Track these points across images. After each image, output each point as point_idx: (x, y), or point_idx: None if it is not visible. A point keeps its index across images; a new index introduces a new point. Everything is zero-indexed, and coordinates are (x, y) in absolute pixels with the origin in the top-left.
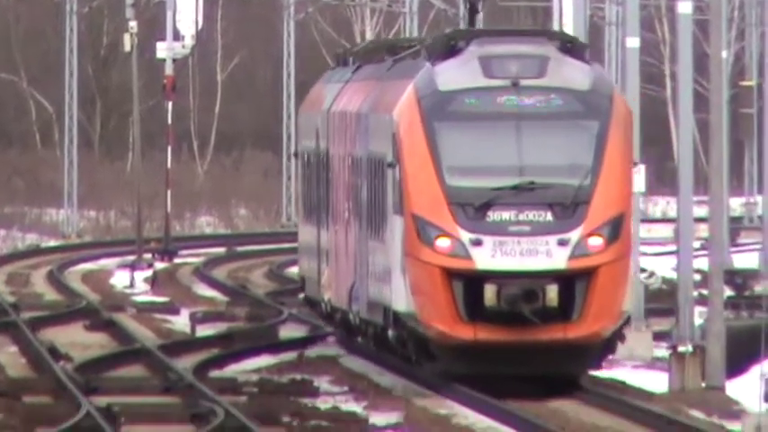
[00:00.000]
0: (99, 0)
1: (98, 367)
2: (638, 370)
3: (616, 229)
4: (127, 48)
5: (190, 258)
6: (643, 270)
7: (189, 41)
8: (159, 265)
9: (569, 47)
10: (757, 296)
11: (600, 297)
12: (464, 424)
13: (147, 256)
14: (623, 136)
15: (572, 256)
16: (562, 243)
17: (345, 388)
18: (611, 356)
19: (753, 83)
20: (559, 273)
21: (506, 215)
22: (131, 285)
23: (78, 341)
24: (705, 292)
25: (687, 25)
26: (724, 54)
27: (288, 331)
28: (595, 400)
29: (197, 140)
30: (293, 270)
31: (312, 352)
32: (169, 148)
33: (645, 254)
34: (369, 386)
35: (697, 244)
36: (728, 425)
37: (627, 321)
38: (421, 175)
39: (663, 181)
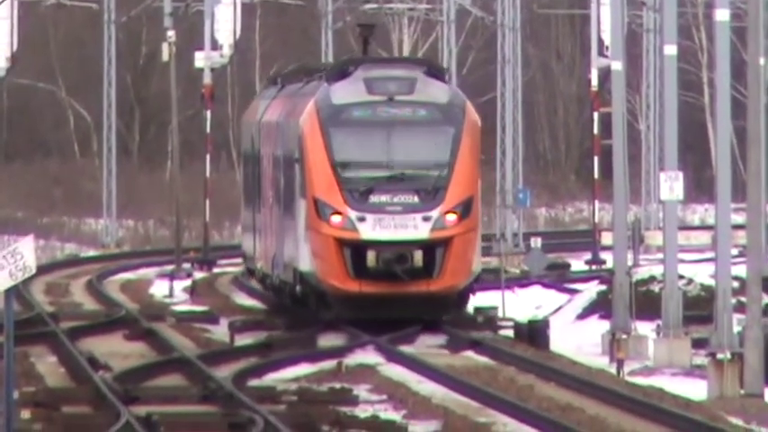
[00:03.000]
0: (137, 9)
1: (137, 377)
2: (677, 377)
3: (467, 208)
4: (165, 57)
5: (228, 268)
6: (681, 277)
7: (227, 50)
8: (198, 275)
9: (432, 71)
10: None
11: (454, 259)
12: None
13: (186, 265)
14: (472, 138)
15: (433, 229)
16: (426, 219)
17: (384, 396)
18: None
19: None
20: (423, 241)
21: (384, 198)
22: (170, 295)
23: (117, 351)
24: (743, 299)
25: (725, 32)
26: (762, 61)
27: (327, 340)
28: (635, 407)
29: (235, 149)
30: None
31: (351, 360)
32: (208, 157)
33: (683, 261)
34: (408, 394)
35: (735, 251)
36: None
37: (476, 278)
38: (320, 168)
39: (701, 188)
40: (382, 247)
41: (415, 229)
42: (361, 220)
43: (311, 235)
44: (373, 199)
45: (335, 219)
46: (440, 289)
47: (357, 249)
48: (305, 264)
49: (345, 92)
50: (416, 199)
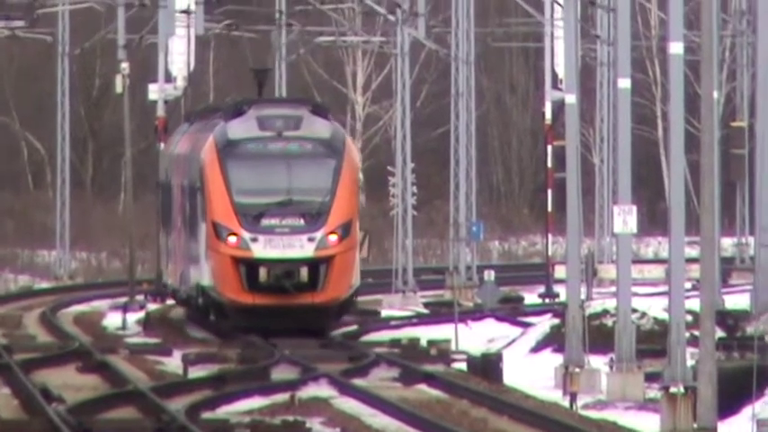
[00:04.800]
0: (91, 41)
1: (91, 409)
2: (630, 411)
3: (347, 230)
4: (119, 89)
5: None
6: (635, 311)
7: (181, 83)
8: (151, 307)
9: (317, 110)
10: (749, 337)
11: (336, 274)
12: None
13: (140, 297)
14: (351, 169)
15: (317, 248)
16: (311, 239)
17: (337, 430)
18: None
19: (744, 123)
20: (308, 259)
21: (274, 221)
22: (124, 327)
23: (71, 383)
24: (697, 332)
25: (678, 66)
26: (715, 94)
27: (280, 373)
28: None
29: None
30: None
31: (304, 393)
32: (159, 192)
33: (637, 294)
34: (361, 428)
35: (689, 285)
36: None
37: (356, 292)
38: (218, 195)
39: (655, 222)
40: (272, 264)
41: (301, 248)
42: (254, 240)
43: (210, 254)
44: (264, 222)
45: (231, 239)
46: (323, 301)
47: (250, 266)
48: (206, 279)
49: (240, 128)
50: (302, 222)
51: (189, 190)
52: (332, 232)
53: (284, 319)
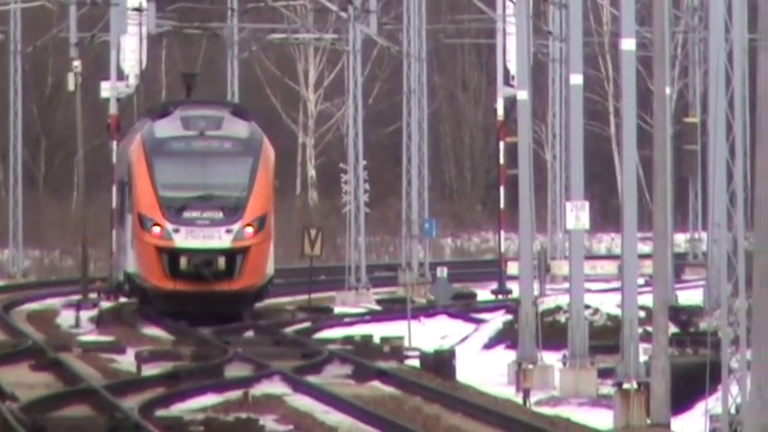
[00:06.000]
0: (43, 39)
1: (44, 407)
2: (584, 407)
3: (262, 223)
4: (71, 87)
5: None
6: (588, 307)
7: (133, 81)
8: (105, 305)
9: (237, 111)
10: (702, 333)
11: (251, 264)
12: None
13: (93, 295)
14: (267, 167)
15: (234, 239)
16: (228, 231)
17: (291, 427)
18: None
19: (696, 119)
20: (226, 249)
21: (195, 214)
22: (77, 325)
23: (24, 381)
24: (650, 328)
25: (631, 62)
26: (667, 91)
27: (233, 370)
28: None
29: None
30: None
31: (257, 390)
32: (114, 188)
33: (589, 290)
34: (314, 425)
35: (641, 280)
36: None
37: (270, 280)
38: (144, 189)
39: (607, 218)
40: (192, 253)
41: (220, 239)
42: (176, 231)
43: (136, 243)
44: (186, 214)
45: (155, 229)
46: (240, 288)
47: (172, 255)
48: (132, 266)
49: (166, 127)
50: (221, 215)
51: (121, 185)
52: (248, 225)
53: (203, 305)
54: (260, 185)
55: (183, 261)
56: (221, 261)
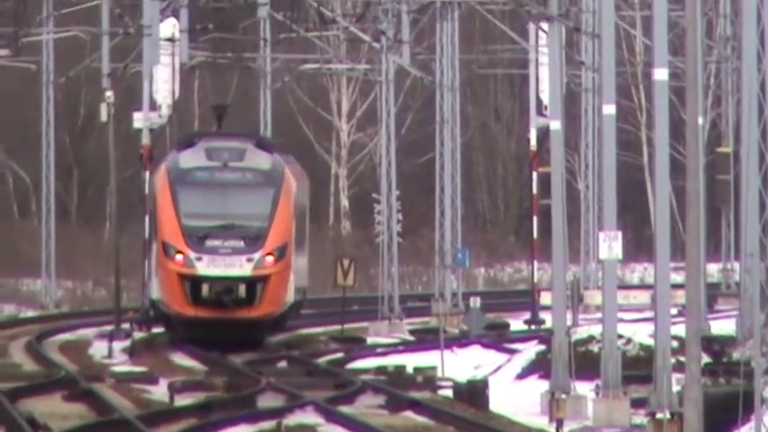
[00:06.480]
0: (76, 70)
1: None
2: None
3: (282, 252)
4: (104, 118)
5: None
6: (620, 337)
7: (165, 111)
8: (137, 335)
9: (260, 143)
10: (735, 362)
11: (271, 292)
12: None
13: (125, 325)
14: (288, 197)
15: (255, 268)
16: (249, 260)
17: None
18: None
19: (729, 149)
20: (247, 277)
21: (217, 242)
22: (110, 355)
23: (57, 412)
24: (682, 358)
25: (663, 92)
26: (700, 120)
27: (266, 400)
28: None
29: None
30: (274, 338)
31: (290, 421)
32: (147, 218)
33: (622, 320)
34: None
35: (674, 310)
36: None
37: (291, 307)
38: (168, 218)
39: (640, 247)
40: (214, 281)
41: (241, 267)
42: (199, 259)
43: (160, 270)
44: (208, 243)
45: (179, 257)
46: (259, 315)
47: (194, 282)
48: (156, 293)
49: (190, 158)
50: (242, 244)
51: (151, 214)
52: (269, 254)
53: (224, 331)
54: (281, 216)
55: (204, 288)
56: (242, 289)
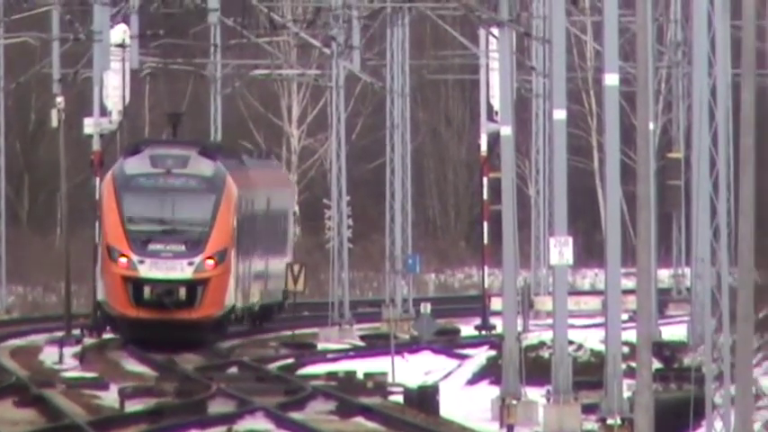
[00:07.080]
0: (26, 75)
1: None
2: None
3: (223, 256)
4: (54, 123)
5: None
6: (571, 342)
7: (116, 117)
8: (88, 341)
9: (204, 151)
10: (686, 368)
11: (211, 294)
12: None
13: (76, 331)
14: (229, 204)
15: (195, 271)
16: (190, 263)
17: None
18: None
19: (680, 155)
20: (187, 280)
21: (159, 246)
22: (60, 361)
23: (7, 417)
24: (633, 364)
25: (614, 97)
26: (651, 126)
27: (217, 406)
28: None
29: None
30: (221, 345)
31: (241, 427)
32: (97, 224)
33: (573, 326)
34: None
35: (625, 316)
36: None
37: (231, 310)
38: (112, 222)
39: (591, 253)
40: (155, 283)
41: (182, 270)
42: (141, 262)
43: (104, 273)
44: (151, 247)
45: (122, 260)
46: (199, 317)
47: (137, 284)
48: (101, 294)
49: (135, 165)
50: (184, 248)
51: (98, 219)
52: (209, 257)
53: (165, 332)
54: (221, 221)
55: (146, 290)
56: (182, 291)
